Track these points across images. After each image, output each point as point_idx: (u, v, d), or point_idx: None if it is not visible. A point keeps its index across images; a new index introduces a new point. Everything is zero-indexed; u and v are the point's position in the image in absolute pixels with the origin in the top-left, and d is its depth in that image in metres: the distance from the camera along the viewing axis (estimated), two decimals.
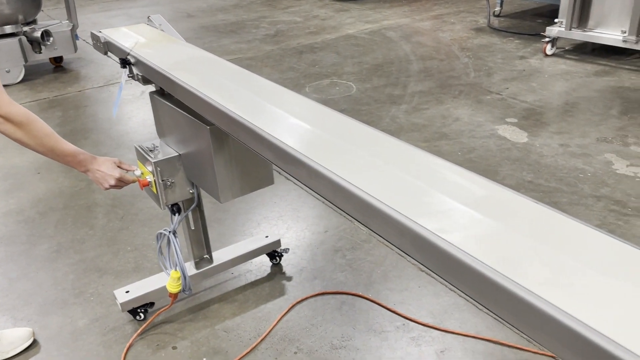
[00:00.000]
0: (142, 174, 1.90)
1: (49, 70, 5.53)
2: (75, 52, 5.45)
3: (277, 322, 2.19)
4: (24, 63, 5.12)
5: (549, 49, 5.09)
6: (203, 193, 2.02)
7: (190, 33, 6.74)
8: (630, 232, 2.58)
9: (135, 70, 1.88)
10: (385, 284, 2.37)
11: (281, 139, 1.16)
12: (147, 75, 1.82)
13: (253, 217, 2.93)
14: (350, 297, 2.32)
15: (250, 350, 2.06)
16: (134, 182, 1.86)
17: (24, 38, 5.04)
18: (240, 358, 2.04)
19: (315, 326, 2.18)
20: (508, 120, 3.86)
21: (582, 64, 4.84)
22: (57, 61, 5.57)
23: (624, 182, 2.99)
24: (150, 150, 1.87)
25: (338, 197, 1.03)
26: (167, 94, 1.89)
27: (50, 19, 6.73)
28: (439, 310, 2.19)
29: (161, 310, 2.19)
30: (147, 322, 2.17)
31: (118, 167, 1.82)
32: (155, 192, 1.89)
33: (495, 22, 6.41)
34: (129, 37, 2.08)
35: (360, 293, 2.33)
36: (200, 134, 1.65)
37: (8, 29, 5.02)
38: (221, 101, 1.39)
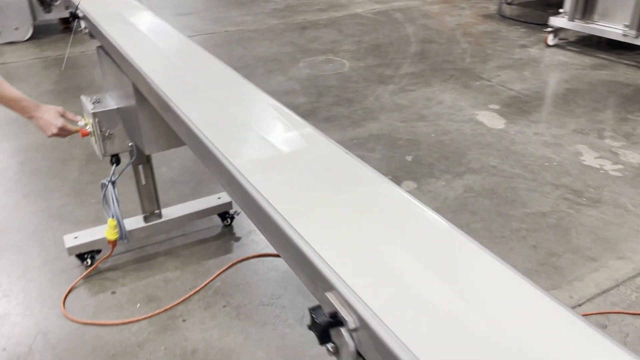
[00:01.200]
0: (85, 124, 2.00)
1: (58, 30, 5.69)
2: None
3: (215, 277, 2.29)
4: (32, 22, 5.28)
5: (550, 39, 5.01)
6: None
7: (200, 4, 6.81)
8: (578, 220, 2.59)
9: (83, 24, 1.98)
10: None
11: (164, 89, 1.23)
12: (90, 29, 1.90)
13: None
14: None
15: (183, 301, 2.17)
16: (76, 132, 1.96)
17: None
18: (172, 307, 2.15)
19: (249, 284, 2.27)
20: (490, 106, 3.85)
21: (581, 57, 4.76)
22: (66, 22, 5.71)
23: (587, 173, 2.97)
24: (93, 103, 1.97)
25: (189, 139, 1.10)
26: None
27: None
28: None
29: (103, 257, 2.32)
30: (91, 268, 2.30)
31: (62, 116, 1.92)
32: (95, 142, 1.99)
33: (507, 9, 6.30)
34: None
35: None
36: (127, 88, 1.74)
37: None
38: (136, 59, 1.47)
